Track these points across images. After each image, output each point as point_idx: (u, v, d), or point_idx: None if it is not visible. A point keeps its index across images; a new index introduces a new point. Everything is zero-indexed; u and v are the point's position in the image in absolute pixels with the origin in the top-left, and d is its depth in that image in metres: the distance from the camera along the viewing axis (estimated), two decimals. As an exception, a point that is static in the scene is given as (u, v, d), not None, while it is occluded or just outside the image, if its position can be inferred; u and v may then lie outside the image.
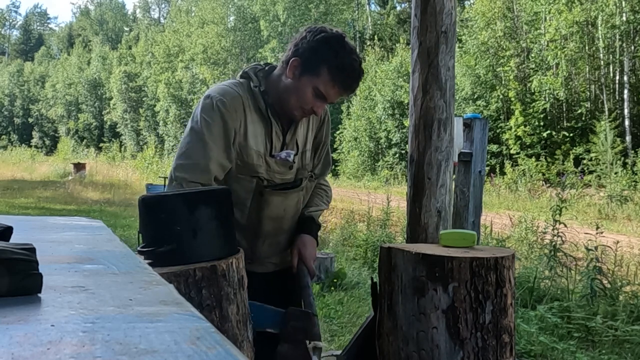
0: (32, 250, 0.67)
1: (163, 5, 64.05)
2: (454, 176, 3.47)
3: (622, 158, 15.24)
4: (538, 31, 20.51)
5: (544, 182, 16.63)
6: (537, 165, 17.38)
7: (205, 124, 1.70)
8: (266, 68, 1.83)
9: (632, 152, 16.33)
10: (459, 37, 21.36)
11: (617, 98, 19.54)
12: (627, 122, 18.16)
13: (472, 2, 27.74)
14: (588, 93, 20.07)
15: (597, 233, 4.94)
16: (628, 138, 17.75)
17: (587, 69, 20.03)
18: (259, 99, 1.75)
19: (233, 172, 1.75)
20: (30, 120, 51.66)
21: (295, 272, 1.90)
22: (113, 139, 41.51)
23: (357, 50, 1.75)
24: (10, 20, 74.52)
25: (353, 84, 1.74)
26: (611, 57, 19.66)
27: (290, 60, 1.72)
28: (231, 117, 1.71)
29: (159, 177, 16.63)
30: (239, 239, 1.60)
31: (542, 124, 19.23)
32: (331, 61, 1.68)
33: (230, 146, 1.71)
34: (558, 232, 5.05)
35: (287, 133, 1.83)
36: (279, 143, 1.81)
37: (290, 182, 1.85)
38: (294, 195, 1.86)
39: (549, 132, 19.05)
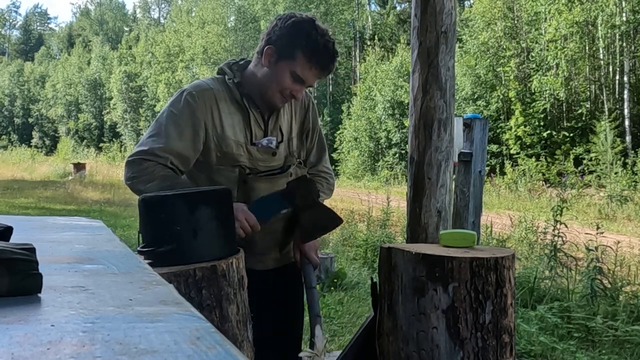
0: (32, 250, 0.67)
1: (163, 5, 64.06)
2: (454, 176, 3.47)
3: (622, 158, 15.25)
4: (538, 31, 20.53)
5: (544, 182, 16.63)
6: (537, 165, 17.39)
7: (169, 115, 1.72)
8: (241, 62, 1.87)
9: (632, 152, 16.34)
10: (459, 37, 21.37)
11: (617, 98, 19.55)
12: (627, 122, 18.17)
13: (472, 2, 27.76)
14: (588, 93, 20.08)
15: (597, 233, 4.93)
16: (628, 138, 17.76)
17: (587, 69, 20.04)
18: (234, 90, 1.78)
19: (214, 164, 1.76)
20: (30, 120, 51.67)
21: (301, 270, 1.92)
22: (113, 139, 41.54)
23: (329, 32, 1.78)
24: (11, 20, 74.57)
25: (329, 64, 1.76)
26: (611, 57, 19.67)
27: (265, 49, 1.75)
28: (199, 109, 1.72)
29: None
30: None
31: (542, 124, 19.24)
32: (305, 44, 1.70)
33: (197, 137, 1.72)
34: (558, 232, 5.05)
35: (268, 121, 1.84)
36: (260, 131, 1.82)
37: (278, 168, 1.85)
38: (282, 181, 1.85)
39: (549, 132, 19.06)
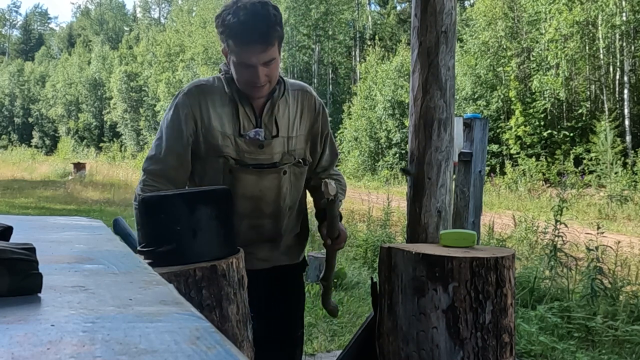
0: (32, 250, 0.67)
1: (163, 5, 64.05)
2: (454, 176, 3.46)
3: (622, 158, 15.25)
4: (538, 31, 20.53)
5: (544, 182, 16.64)
6: (537, 165, 17.39)
7: (166, 117, 1.85)
8: None
9: (632, 152, 16.34)
10: (460, 37, 21.39)
11: (617, 98, 19.55)
12: (627, 122, 18.17)
13: (472, 2, 27.76)
14: (588, 93, 20.09)
15: (598, 233, 4.93)
16: (628, 138, 17.76)
17: (587, 69, 20.04)
18: (226, 85, 1.82)
19: (203, 155, 1.82)
20: (31, 120, 51.68)
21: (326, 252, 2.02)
22: (113, 139, 41.56)
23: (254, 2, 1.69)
24: (11, 20, 74.56)
25: (254, 33, 1.66)
26: (611, 57, 19.67)
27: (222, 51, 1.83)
28: (186, 106, 1.80)
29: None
30: None
31: (542, 123, 19.24)
32: (226, 30, 1.69)
33: (183, 134, 1.80)
34: (558, 232, 5.05)
35: (262, 115, 1.83)
36: (250, 124, 1.82)
37: (267, 162, 1.83)
38: (271, 176, 1.83)
39: (549, 132, 19.06)
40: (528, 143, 18.85)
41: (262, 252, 1.89)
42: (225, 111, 1.81)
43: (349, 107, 26.75)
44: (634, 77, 19.62)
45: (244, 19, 1.65)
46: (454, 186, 3.33)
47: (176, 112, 1.81)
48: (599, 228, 5.08)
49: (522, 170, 17.29)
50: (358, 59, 32.79)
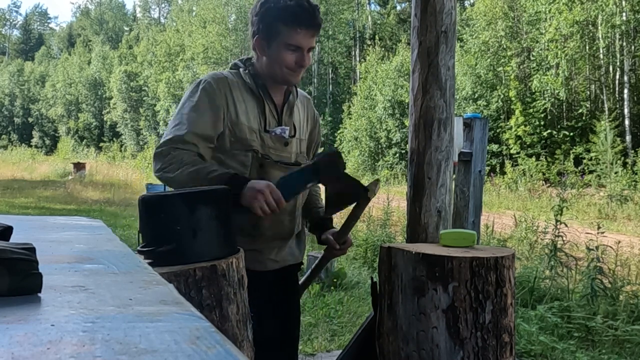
0: (32, 250, 0.68)
1: (163, 5, 64.04)
2: (454, 176, 3.46)
3: (622, 158, 15.25)
4: (538, 31, 20.54)
5: (544, 182, 16.64)
6: (537, 165, 17.40)
7: (189, 104, 1.78)
8: (252, 58, 1.93)
9: (632, 151, 16.34)
10: (460, 37, 21.39)
11: (617, 98, 19.55)
12: (627, 122, 18.18)
13: (472, 1, 27.77)
14: (588, 93, 20.09)
15: (598, 233, 4.93)
16: (628, 138, 17.76)
17: (587, 69, 20.04)
18: (249, 81, 1.83)
19: (228, 149, 1.78)
20: (31, 120, 51.64)
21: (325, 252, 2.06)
22: (113, 139, 41.55)
23: None
24: (11, 20, 74.53)
25: (311, 18, 1.76)
26: (611, 57, 19.67)
27: (254, 43, 1.81)
28: (216, 95, 1.77)
29: (159, 177, 16.54)
30: (241, 218, 1.61)
31: (542, 123, 19.25)
32: (280, 14, 1.73)
33: (217, 118, 1.76)
34: (558, 232, 5.05)
35: (282, 113, 1.87)
36: (274, 120, 1.85)
37: (288, 160, 1.87)
38: None
39: (549, 131, 19.06)
40: (528, 143, 18.86)
41: (273, 252, 1.91)
42: (250, 106, 1.81)
43: (349, 107, 26.74)
44: (634, 77, 19.63)
45: (301, 3, 1.74)
46: (454, 186, 3.33)
47: (205, 96, 1.76)
48: (599, 228, 5.08)
49: (522, 170, 17.30)
50: (358, 59, 32.79)
